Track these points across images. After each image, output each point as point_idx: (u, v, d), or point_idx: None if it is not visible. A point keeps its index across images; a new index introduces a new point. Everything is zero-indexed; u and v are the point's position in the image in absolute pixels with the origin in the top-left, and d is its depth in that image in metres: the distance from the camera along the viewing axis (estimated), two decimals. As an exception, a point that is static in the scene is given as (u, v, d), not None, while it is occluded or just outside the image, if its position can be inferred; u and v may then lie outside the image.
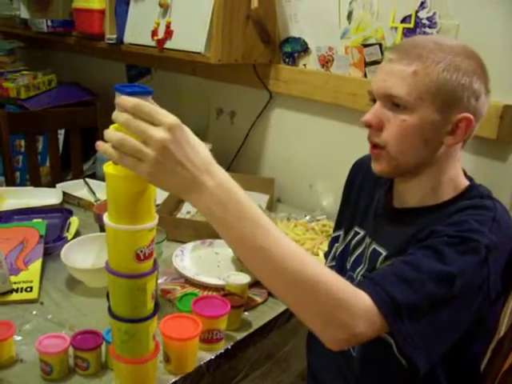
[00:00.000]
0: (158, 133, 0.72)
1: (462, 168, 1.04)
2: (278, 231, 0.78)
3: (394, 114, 0.95)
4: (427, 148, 0.96)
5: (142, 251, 0.87)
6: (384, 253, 1.03)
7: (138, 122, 0.73)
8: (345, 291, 0.81)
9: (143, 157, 0.73)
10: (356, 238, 1.15)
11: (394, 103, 0.95)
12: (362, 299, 0.82)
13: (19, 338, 1.10)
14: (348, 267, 1.14)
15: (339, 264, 1.19)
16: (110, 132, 0.75)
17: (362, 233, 1.14)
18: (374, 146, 1.00)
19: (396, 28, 1.59)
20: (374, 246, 1.08)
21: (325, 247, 1.51)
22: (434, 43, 0.95)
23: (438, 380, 0.99)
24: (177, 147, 0.73)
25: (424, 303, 0.84)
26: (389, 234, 1.05)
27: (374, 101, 0.99)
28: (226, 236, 0.79)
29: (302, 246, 1.58)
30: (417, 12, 1.53)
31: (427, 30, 1.51)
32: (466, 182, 1.02)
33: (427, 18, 1.51)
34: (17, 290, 1.25)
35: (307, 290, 0.79)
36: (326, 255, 1.29)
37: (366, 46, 1.67)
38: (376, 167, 1.02)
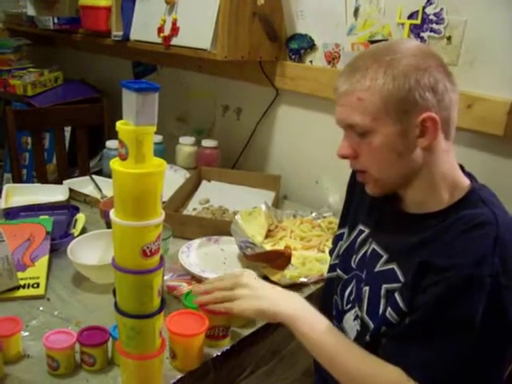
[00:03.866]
0: (240, 279, 1.09)
1: (459, 163, 1.02)
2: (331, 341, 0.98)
3: (360, 140, 0.98)
4: (404, 158, 0.96)
5: (148, 247, 0.87)
6: (385, 256, 1.04)
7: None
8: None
9: (236, 296, 1.05)
10: (361, 237, 1.14)
11: (355, 131, 0.97)
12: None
13: (26, 333, 1.11)
14: (354, 266, 1.14)
15: (343, 262, 1.18)
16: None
17: (366, 231, 1.13)
18: (359, 171, 1.03)
19: (403, 24, 1.58)
20: (373, 246, 1.08)
21: (331, 244, 1.50)
22: (374, 59, 0.94)
23: None
24: (255, 282, 1.09)
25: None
26: (390, 238, 1.05)
27: None
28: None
29: (308, 242, 1.58)
30: (424, 8, 1.52)
31: (434, 25, 1.50)
32: (466, 182, 1.00)
33: (434, 14, 1.51)
34: (24, 286, 1.26)
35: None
36: (331, 252, 1.28)
37: (372, 42, 1.66)
38: (368, 190, 1.06)
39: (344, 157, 1.02)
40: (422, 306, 0.90)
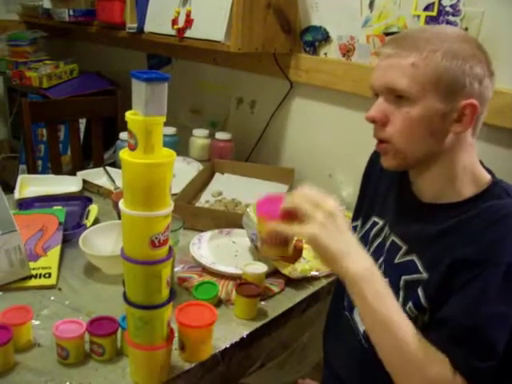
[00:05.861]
0: (329, 203, 0.91)
1: (479, 159, 1.01)
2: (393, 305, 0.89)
3: (397, 107, 0.95)
4: (434, 138, 0.95)
5: (156, 238, 0.87)
6: (404, 247, 1.03)
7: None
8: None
9: (313, 219, 0.89)
10: (375, 228, 1.14)
11: (396, 96, 0.95)
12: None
13: (37, 322, 1.12)
14: None
15: None
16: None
17: (380, 222, 1.13)
18: (380, 141, 1.00)
19: (419, 16, 1.56)
20: (392, 237, 1.06)
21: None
22: (431, 32, 0.95)
23: None
24: (340, 218, 0.90)
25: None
26: (409, 228, 1.04)
27: (377, 95, 1.00)
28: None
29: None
30: (440, -1, 1.51)
31: (450, 17, 1.48)
32: (487, 176, 0.99)
33: (451, 6, 1.48)
34: (35, 276, 1.26)
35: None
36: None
37: (387, 34, 1.65)
38: (385, 162, 1.03)
39: (373, 120, 0.99)
40: (466, 304, 0.88)
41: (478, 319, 0.86)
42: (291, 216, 0.94)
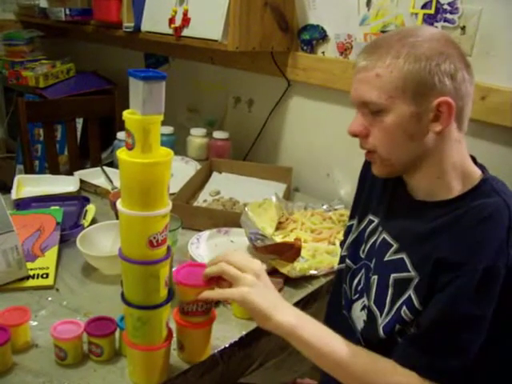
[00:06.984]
0: (254, 265, 0.96)
1: (471, 155, 1.01)
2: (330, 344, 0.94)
3: (373, 119, 0.97)
4: (415, 141, 0.95)
5: (155, 238, 0.87)
6: (395, 245, 1.03)
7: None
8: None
9: (243, 280, 0.93)
10: (370, 227, 1.14)
11: (369, 109, 0.96)
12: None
13: (35, 323, 1.11)
14: (363, 256, 1.13)
15: (352, 253, 1.18)
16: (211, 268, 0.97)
17: (376, 221, 1.13)
18: (368, 151, 1.02)
19: (416, 14, 1.56)
20: (384, 235, 1.06)
21: (342, 236, 1.49)
22: (397, 38, 0.94)
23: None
24: (266, 277, 0.97)
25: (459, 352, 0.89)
26: (401, 227, 1.04)
27: None
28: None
29: (318, 235, 1.57)
30: (438, -3, 1.50)
31: (448, 15, 1.48)
32: (477, 172, 0.99)
33: (448, 4, 1.48)
34: (33, 277, 1.26)
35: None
36: (342, 244, 1.27)
37: (385, 32, 1.64)
38: (374, 170, 1.05)
39: (354, 134, 1.01)
40: (440, 305, 0.89)
41: (451, 321, 0.88)
42: (215, 282, 0.98)
